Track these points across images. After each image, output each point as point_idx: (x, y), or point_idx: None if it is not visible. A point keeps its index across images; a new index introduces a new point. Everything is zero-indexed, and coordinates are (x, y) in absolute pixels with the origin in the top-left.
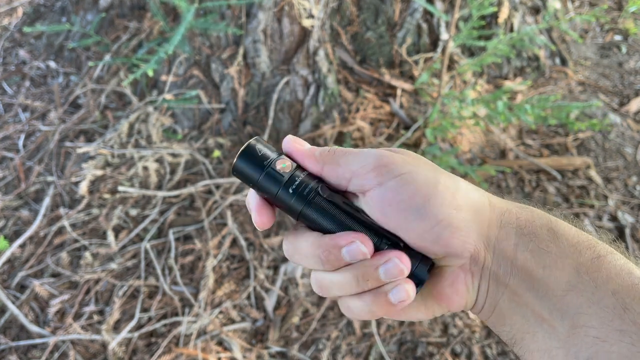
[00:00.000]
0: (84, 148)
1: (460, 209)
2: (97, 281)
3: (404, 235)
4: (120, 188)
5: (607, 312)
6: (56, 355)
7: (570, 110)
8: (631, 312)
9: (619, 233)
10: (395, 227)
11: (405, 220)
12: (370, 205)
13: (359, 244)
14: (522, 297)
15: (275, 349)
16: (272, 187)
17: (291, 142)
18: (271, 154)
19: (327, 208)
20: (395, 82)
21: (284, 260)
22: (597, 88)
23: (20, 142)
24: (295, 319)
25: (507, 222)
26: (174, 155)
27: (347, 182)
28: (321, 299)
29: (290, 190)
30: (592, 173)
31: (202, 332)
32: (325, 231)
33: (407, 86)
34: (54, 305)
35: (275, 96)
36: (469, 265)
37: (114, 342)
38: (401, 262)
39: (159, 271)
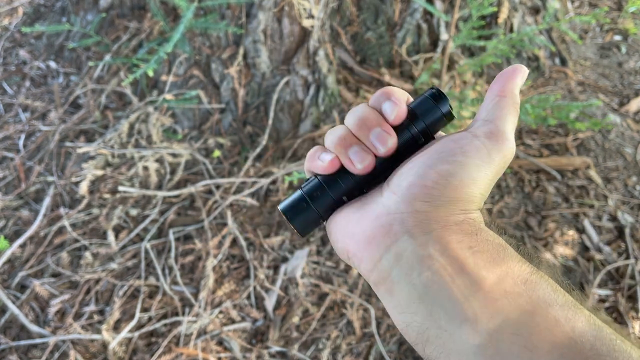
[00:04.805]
0: (84, 148)
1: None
2: (97, 281)
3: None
4: (121, 188)
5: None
6: (56, 355)
7: (571, 110)
8: (563, 326)
9: (619, 233)
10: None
11: (430, 157)
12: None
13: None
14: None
15: (275, 348)
16: None
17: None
18: None
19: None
20: (395, 82)
21: (284, 260)
22: (597, 88)
23: (21, 142)
24: (295, 319)
25: (470, 226)
26: (174, 155)
27: None
28: (321, 298)
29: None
30: (592, 173)
31: (202, 332)
32: None
33: (407, 86)
34: (54, 305)
35: (275, 96)
36: (406, 220)
37: (114, 342)
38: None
39: (159, 271)
